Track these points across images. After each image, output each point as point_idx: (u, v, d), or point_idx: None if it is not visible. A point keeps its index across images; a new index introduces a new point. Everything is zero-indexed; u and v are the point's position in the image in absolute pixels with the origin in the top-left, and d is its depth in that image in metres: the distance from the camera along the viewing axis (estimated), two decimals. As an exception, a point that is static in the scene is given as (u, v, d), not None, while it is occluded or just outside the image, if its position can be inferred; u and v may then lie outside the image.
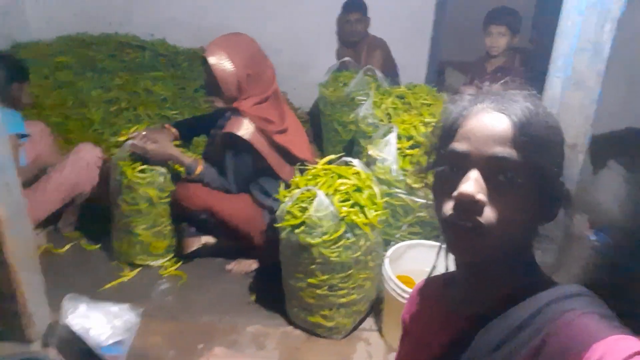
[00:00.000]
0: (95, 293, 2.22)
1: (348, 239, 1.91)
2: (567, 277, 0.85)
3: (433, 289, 0.92)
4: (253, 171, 2.28)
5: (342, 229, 1.89)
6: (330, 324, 2.04)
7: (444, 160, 0.76)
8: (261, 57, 2.25)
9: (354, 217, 1.90)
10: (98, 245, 2.57)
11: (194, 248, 2.43)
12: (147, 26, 3.84)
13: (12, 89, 2.45)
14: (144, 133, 2.29)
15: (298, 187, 2.00)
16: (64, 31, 3.77)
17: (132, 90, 3.38)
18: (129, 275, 2.38)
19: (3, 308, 1.77)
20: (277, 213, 1.99)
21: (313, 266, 1.94)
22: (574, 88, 1.54)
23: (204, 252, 2.48)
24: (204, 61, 2.16)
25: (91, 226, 2.65)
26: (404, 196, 2.18)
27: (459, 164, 0.73)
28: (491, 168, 0.71)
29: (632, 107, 2.93)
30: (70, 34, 3.71)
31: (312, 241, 1.88)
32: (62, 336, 1.85)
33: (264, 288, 2.32)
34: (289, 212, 1.94)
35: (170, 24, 3.85)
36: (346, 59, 3.35)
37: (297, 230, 1.90)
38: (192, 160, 2.31)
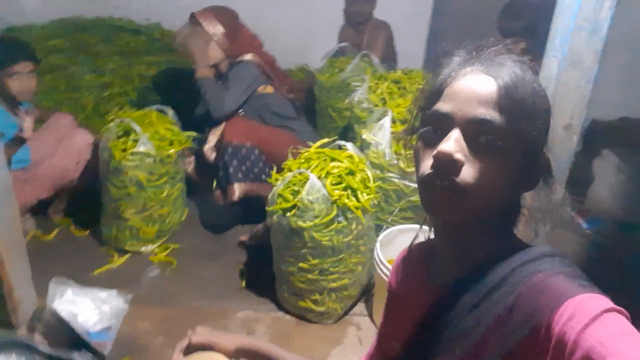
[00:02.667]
0: (84, 279, 2.19)
1: (340, 222, 1.88)
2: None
3: (415, 257, 0.94)
4: (253, 86, 2.55)
5: (334, 213, 1.86)
6: (320, 309, 2.01)
7: (428, 121, 0.75)
8: (242, 25, 2.68)
9: (346, 201, 1.86)
10: (87, 231, 2.54)
11: (238, 194, 2.45)
12: (143, 10, 3.78)
13: None
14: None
15: (290, 170, 1.97)
16: (60, 14, 3.71)
17: (126, 75, 3.33)
18: (118, 261, 2.35)
19: (-12, 292, 1.74)
20: (269, 197, 1.96)
21: (304, 250, 1.91)
22: (570, 68, 1.49)
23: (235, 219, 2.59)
24: (195, 20, 2.52)
25: (81, 212, 2.62)
26: (396, 180, 2.14)
27: (442, 125, 0.73)
28: (473, 129, 0.71)
29: (630, 93, 2.89)
30: (64, 17, 3.66)
31: (304, 225, 1.85)
32: (49, 321, 1.82)
33: (255, 274, 2.29)
34: (280, 196, 1.91)
35: (166, 8, 3.77)
36: (344, 44, 3.29)
37: (288, 214, 1.87)
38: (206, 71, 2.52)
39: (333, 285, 1.98)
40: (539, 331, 0.64)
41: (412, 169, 2.08)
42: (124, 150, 2.23)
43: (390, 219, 2.18)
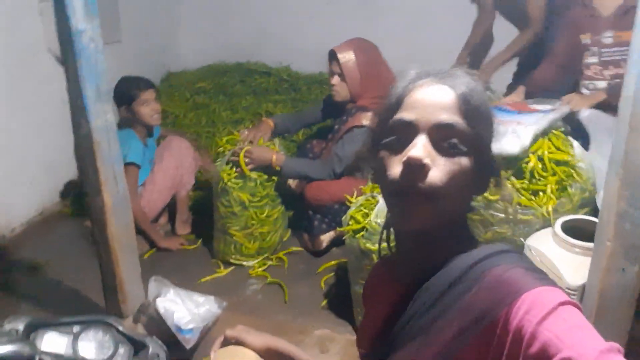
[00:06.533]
0: (192, 285, 2.48)
1: (410, 248, 1.87)
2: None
3: (383, 265, 0.97)
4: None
5: (403, 237, 1.86)
6: (393, 336, 2.00)
7: (392, 130, 0.78)
8: (381, 60, 2.63)
9: (416, 226, 1.86)
10: (196, 245, 2.87)
11: (327, 243, 2.65)
12: (277, 55, 4.21)
13: (124, 112, 2.78)
14: (246, 133, 2.68)
15: (364, 194, 2.03)
16: (209, 61, 4.33)
17: (256, 111, 3.73)
18: (222, 272, 2.61)
19: (105, 285, 2.08)
20: (343, 218, 2.04)
21: (374, 273, 1.93)
22: (648, 84, 1.35)
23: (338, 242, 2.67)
24: (334, 55, 2.56)
25: (199, 228, 2.98)
26: (482, 210, 2.06)
27: (406, 133, 0.76)
28: (437, 135, 0.74)
29: None
30: (211, 64, 4.24)
31: (372, 247, 1.89)
32: (151, 315, 2.11)
33: (338, 295, 2.36)
34: (352, 217, 1.98)
35: (296, 53, 4.17)
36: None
37: (358, 235, 1.93)
38: (278, 158, 2.55)
39: (405, 311, 1.96)
40: (497, 324, 0.65)
41: (496, 197, 1.99)
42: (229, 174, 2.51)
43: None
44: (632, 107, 1.39)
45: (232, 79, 3.97)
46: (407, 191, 0.72)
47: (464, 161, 0.74)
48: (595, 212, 2.03)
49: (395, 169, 0.74)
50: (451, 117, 0.74)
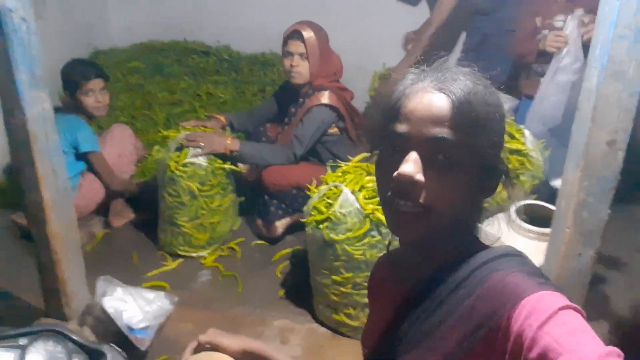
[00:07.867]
0: (139, 279, 2.35)
1: (373, 237, 1.87)
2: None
3: (385, 265, 0.97)
4: (323, 135, 2.56)
5: (367, 226, 1.85)
6: (355, 324, 2.00)
7: (386, 140, 0.77)
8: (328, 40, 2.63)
9: (379, 215, 1.85)
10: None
11: (282, 230, 2.60)
12: (215, 34, 4.01)
13: (67, 97, 2.61)
14: (192, 123, 2.62)
15: (326, 183, 2.00)
16: (142, 39, 4.04)
17: (195, 93, 3.56)
18: (171, 265, 2.49)
19: (45, 286, 1.91)
20: (304, 208, 1.99)
21: (337, 263, 1.91)
22: (611, 79, 1.40)
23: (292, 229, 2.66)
24: (299, 35, 2.48)
25: (141, 218, 2.83)
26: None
27: (400, 145, 0.74)
28: (430, 149, 0.72)
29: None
30: (144, 42, 3.98)
31: (336, 237, 1.86)
32: (98, 316, 1.96)
33: (296, 284, 2.32)
34: (315, 208, 1.94)
35: (236, 32, 3.99)
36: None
37: (321, 226, 1.89)
38: (232, 142, 2.46)
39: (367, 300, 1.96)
40: (498, 329, 0.66)
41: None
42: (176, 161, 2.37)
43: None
44: (594, 101, 1.44)
45: (168, 59, 3.76)
46: (398, 207, 0.73)
47: (460, 173, 0.72)
48: (542, 197, 2.14)
49: (388, 182, 0.74)
50: (442, 130, 0.71)
